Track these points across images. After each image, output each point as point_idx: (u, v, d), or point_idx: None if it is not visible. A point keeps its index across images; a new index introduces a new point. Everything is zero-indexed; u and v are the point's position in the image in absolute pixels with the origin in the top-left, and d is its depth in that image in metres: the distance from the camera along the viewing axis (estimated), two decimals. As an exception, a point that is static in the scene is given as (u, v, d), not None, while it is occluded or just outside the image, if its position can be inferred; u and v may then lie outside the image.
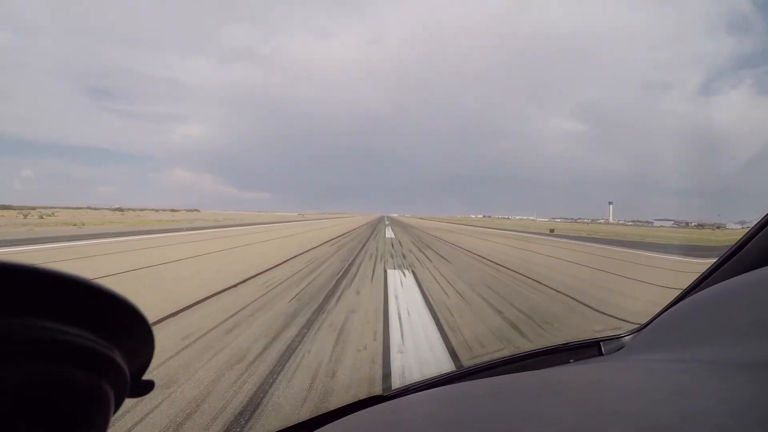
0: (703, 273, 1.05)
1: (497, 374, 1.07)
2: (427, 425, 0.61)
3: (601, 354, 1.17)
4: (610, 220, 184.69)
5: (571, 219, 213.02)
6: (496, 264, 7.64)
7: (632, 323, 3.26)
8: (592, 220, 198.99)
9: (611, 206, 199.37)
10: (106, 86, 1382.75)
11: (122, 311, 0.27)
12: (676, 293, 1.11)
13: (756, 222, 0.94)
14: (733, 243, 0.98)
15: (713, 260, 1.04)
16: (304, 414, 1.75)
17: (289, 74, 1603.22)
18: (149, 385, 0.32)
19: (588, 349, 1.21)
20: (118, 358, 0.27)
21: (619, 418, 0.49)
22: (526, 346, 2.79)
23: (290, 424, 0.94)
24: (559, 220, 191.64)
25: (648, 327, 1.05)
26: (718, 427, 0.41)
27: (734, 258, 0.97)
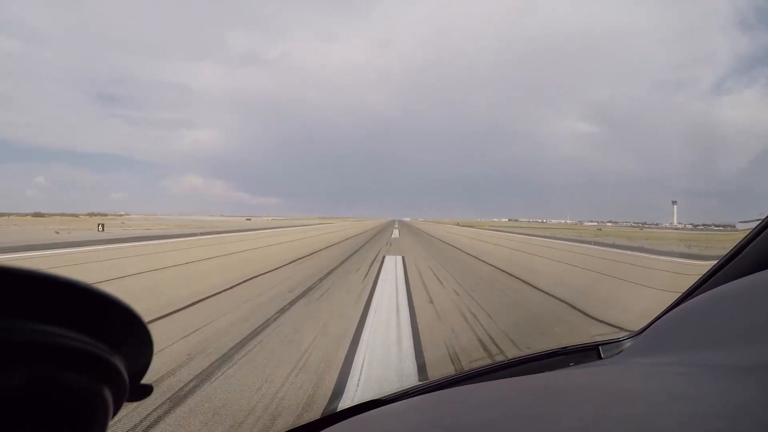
0: (702, 277, 1.09)
1: (497, 378, 1.11)
2: (426, 430, 0.64)
3: (600, 358, 1.21)
4: (675, 223, 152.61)
5: (625, 222, 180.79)
6: None
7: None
8: (655, 223, 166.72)
9: (675, 207, 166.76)
10: (116, 93, 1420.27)
11: (121, 315, 0.27)
12: None
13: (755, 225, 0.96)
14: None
15: None
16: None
17: (297, 78, 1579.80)
18: (147, 390, 0.32)
19: (587, 353, 1.24)
20: (117, 362, 0.27)
21: (619, 422, 0.51)
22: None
23: (288, 428, 0.96)
24: (609, 224, 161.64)
25: (646, 331, 1.09)
26: (717, 431, 0.43)
27: (732, 262, 1.00)
